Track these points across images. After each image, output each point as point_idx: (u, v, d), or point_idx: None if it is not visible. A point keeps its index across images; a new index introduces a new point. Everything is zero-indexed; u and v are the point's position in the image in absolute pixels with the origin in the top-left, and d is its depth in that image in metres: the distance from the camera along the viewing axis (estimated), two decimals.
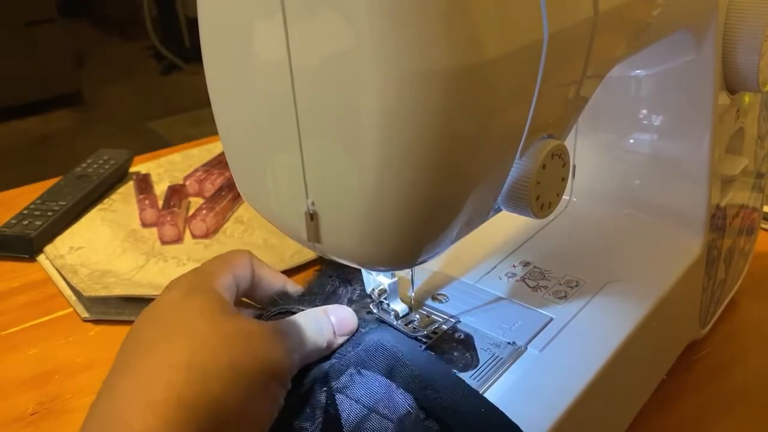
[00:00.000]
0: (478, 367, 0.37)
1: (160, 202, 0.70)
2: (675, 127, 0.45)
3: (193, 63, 3.11)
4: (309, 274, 0.42)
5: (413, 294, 0.40)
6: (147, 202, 0.70)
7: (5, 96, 2.59)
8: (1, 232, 0.65)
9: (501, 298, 0.42)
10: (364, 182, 0.26)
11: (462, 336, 0.39)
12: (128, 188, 0.75)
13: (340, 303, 0.38)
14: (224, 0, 0.27)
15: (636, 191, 0.48)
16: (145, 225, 0.68)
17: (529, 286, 0.43)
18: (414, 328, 0.38)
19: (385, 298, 0.38)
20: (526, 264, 0.45)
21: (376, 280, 0.38)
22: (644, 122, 0.46)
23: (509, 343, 0.38)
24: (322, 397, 0.33)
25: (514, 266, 0.45)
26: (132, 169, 0.79)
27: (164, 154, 0.84)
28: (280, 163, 0.29)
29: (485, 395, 0.34)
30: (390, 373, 0.33)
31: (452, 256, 0.45)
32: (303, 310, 0.36)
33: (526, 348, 0.38)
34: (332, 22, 0.24)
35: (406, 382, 0.33)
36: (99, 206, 0.72)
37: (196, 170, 0.76)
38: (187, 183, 0.74)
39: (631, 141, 0.47)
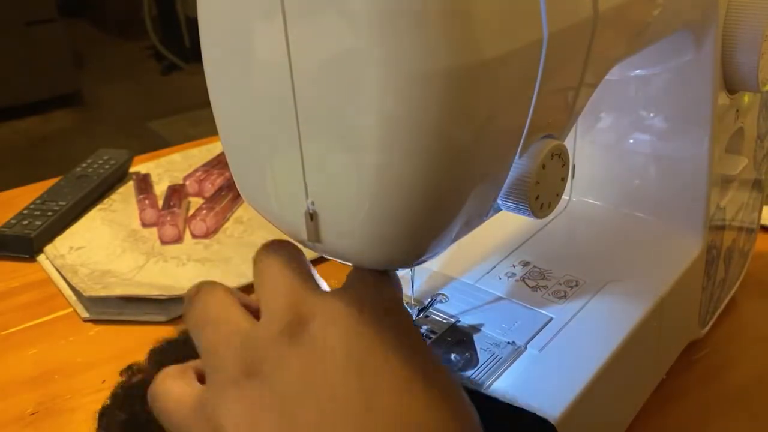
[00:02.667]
0: (477, 367, 0.37)
1: (160, 202, 0.70)
2: (675, 127, 0.45)
3: (193, 63, 3.12)
4: None
5: (413, 294, 0.40)
6: (147, 202, 0.70)
7: (5, 96, 2.60)
8: (1, 232, 0.65)
9: (501, 298, 0.42)
10: (364, 182, 0.26)
11: (462, 336, 0.39)
12: (128, 188, 0.75)
13: None
14: (224, 0, 0.27)
15: (636, 191, 0.48)
16: (145, 225, 0.68)
17: (529, 286, 0.43)
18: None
19: None
20: (525, 264, 0.45)
21: None
22: (644, 122, 0.46)
23: (509, 342, 0.38)
24: None
25: (513, 266, 0.45)
26: (132, 169, 0.79)
27: (164, 154, 0.84)
28: (280, 164, 0.29)
29: (485, 395, 0.34)
30: None
31: (452, 256, 0.45)
32: None
33: (525, 348, 0.38)
34: (332, 22, 0.24)
35: None
36: (99, 206, 0.72)
37: (196, 170, 0.76)
38: (187, 183, 0.74)
39: (631, 141, 0.47)
